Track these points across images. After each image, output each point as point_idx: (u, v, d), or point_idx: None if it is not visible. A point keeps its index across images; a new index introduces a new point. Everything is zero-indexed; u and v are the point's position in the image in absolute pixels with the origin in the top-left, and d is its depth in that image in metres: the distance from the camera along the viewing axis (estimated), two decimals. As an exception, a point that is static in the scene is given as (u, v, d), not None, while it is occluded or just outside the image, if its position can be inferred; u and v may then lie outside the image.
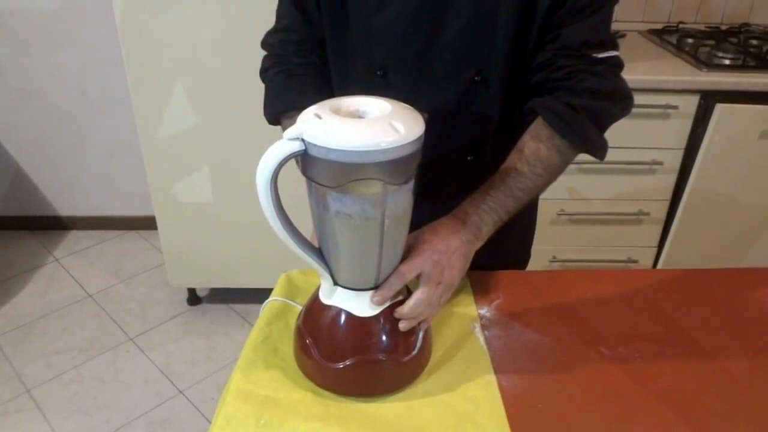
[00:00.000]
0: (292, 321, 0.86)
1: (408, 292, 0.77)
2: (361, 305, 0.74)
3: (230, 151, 1.81)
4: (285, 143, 0.63)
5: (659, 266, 2.03)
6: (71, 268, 2.43)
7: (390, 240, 0.69)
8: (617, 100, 0.83)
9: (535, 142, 0.81)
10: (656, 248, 2.03)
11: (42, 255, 2.51)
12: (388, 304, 0.74)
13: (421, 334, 0.77)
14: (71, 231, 2.66)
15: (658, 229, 2.00)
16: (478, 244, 0.79)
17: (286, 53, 0.93)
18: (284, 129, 0.89)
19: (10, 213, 2.63)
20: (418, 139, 0.64)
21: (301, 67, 0.92)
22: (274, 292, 0.96)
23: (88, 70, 2.33)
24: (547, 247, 2.04)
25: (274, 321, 0.89)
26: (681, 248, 1.98)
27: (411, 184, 0.68)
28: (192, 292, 2.23)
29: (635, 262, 2.05)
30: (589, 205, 1.95)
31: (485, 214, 0.79)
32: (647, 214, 1.95)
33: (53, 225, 2.66)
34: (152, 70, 1.74)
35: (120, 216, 2.65)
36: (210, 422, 0.74)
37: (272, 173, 0.64)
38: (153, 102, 1.78)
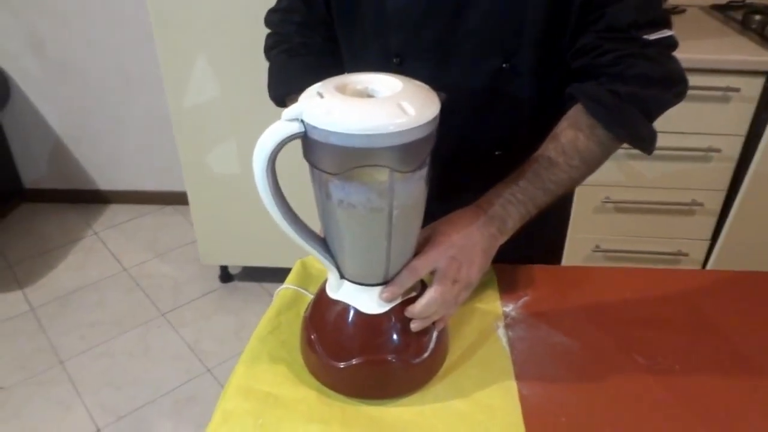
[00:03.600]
0: (303, 311, 0.81)
1: (423, 287, 0.71)
2: (370, 301, 0.68)
3: (261, 124, 1.77)
4: (283, 125, 0.58)
5: (711, 261, 1.90)
6: (109, 242, 2.46)
7: (399, 233, 0.63)
8: (670, 86, 0.73)
9: (574, 131, 0.73)
10: (709, 241, 1.91)
11: (81, 228, 2.55)
12: (399, 300, 0.69)
13: (435, 335, 0.71)
14: (110, 205, 2.70)
15: (711, 222, 1.87)
16: (502, 240, 0.72)
17: (288, 33, 0.88)
18: None
19: (53, 186, 2.69)
20: (432, 121, 0.57)
21: (303, 47, 0.87)
22: (287, 279, 0.92)
23: (125, 44, 2.34)
24: (590, 236, 1.94)
25: (285, 311, 0.85)
26: (736, 243, 1.85)
27: (423, 172, 0.61)
28: (224, 269, 2.23)
29: (686, 255, 1.93)
30: (637, 193, 1.83)
31: (512, 207, 0.71)
32: (701, 204, 1.83)
33: (93, 199, 2.70)
34: (181, 43, 1.72)
35: (157, 191, 2.68)
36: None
37: (269, 157, 0.59)
38: (182, 75, 1.77)
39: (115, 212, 2.65)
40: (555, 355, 0.77)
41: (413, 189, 0.61)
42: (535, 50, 0.76)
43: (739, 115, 1.68)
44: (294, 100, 0.83)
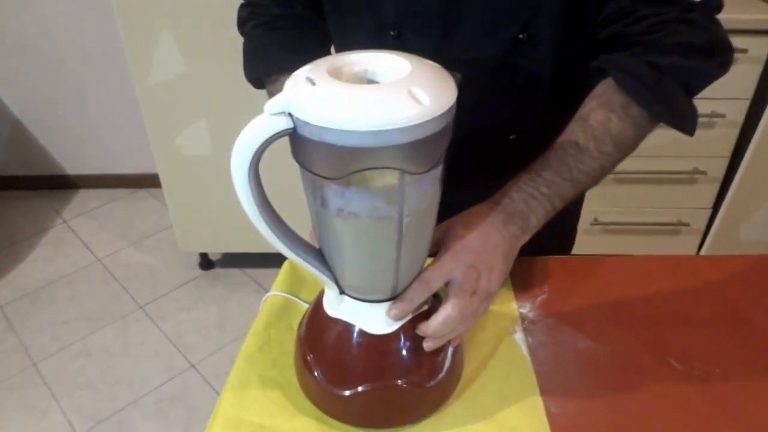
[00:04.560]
0: (296, 322, 0.71)
1: (435, 299, 0.62)
2: (376, 320, 0.59)
3: (233, 102, 1.65)
4: (267, 120, 0.47)
5: (713, 230, 1.84)
6: (80, 230, 2.33)
7: (410, 242, 0.53)
8: (714, 55, 0.63)
9: (605, 111, 0.63)
10: (710, 210, 1.84)
11: (50, 216, 2.41)
12: (409, 317, 0.59)
13: (450, 351, 0.62)
14: (79, 190, 2.55)
15: (714, 190, 1.80)
16: (524, 239, 0.63)
17: (264, 2, 0.77)
18: (270, 96, 0.73)
19: (16, 172, 2.53)
20: (449, 111, 0.47)
21: (282, 20, 0.75)
22: (275, 285, 0.82)
23: (83, 17, 2.16)
24: (588, 209, 1.86)
25: (274, 322, 0.75)
26: (739, 211, 1.78)
27: (438, 171, 0.51)
28: (204, 256, 2.12)
29: (686, 225, 1.86)
30: (637, 163, 1.74)
31: (535, 202, 0.62)
32: (703, 172, 1.75)
33: (61, 184, 2.55)
34: (144, 14, 1.58)
35: (129, 174, 2.53)
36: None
37: (251, 159, 0.48)
38: (146, 49, 1.63)
39: (84, 198, 2.50)
40: (582, 364, 0.69)
41: (426, 192, 0.51)
42: (557, 16, 0.65)
43: (745, 77, 1.59)
44: (274, 82, 0.72)
